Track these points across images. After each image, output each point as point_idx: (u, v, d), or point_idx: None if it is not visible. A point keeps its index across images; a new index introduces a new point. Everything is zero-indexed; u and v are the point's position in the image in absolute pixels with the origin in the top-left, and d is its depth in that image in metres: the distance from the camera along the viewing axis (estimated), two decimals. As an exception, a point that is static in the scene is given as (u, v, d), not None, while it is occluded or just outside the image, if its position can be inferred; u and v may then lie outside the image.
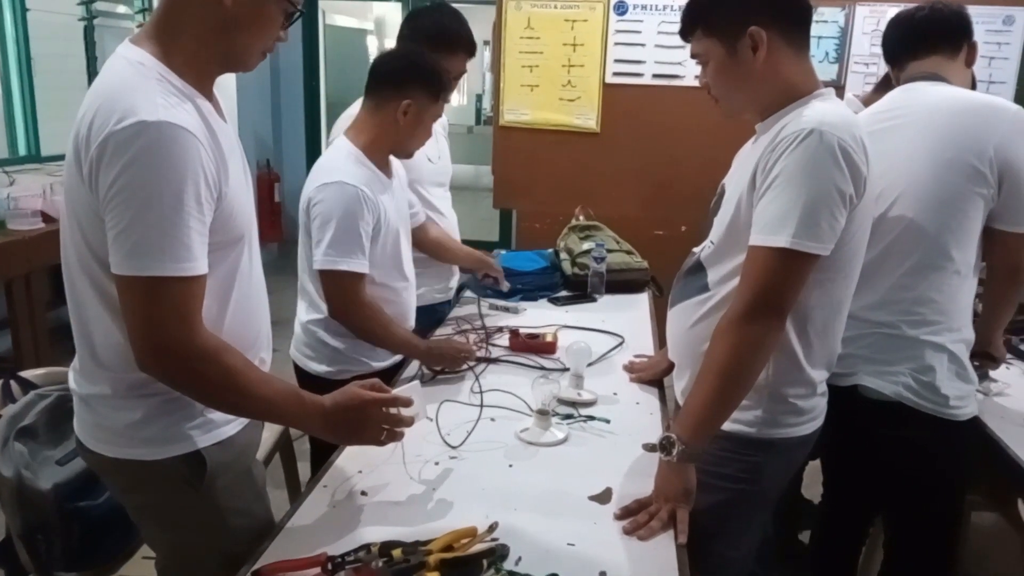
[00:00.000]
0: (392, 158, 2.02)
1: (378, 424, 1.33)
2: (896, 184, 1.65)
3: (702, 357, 1.39)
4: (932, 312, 1.63)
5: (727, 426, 1.40)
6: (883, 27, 1.90)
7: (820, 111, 1.32)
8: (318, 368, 1.98)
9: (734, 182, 1.47)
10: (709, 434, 1.37)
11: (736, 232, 1.39)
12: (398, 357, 2.05)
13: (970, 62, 1.82)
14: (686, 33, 1.46)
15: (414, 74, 1.91)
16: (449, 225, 2.47)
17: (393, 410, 1.35)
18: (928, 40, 1.79)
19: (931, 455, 1.66)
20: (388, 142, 1.94)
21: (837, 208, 1.29)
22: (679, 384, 1.60)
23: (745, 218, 1.36)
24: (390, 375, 1.95)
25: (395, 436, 1.36)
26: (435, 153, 2.42)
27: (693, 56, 1.47)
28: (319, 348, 1.97)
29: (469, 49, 2.28)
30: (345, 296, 1.84)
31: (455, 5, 2.33)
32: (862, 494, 1.94)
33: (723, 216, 1.45)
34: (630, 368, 2.03)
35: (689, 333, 1.51)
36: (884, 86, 2.24)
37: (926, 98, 1.71)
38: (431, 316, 2.37)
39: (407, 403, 1.36)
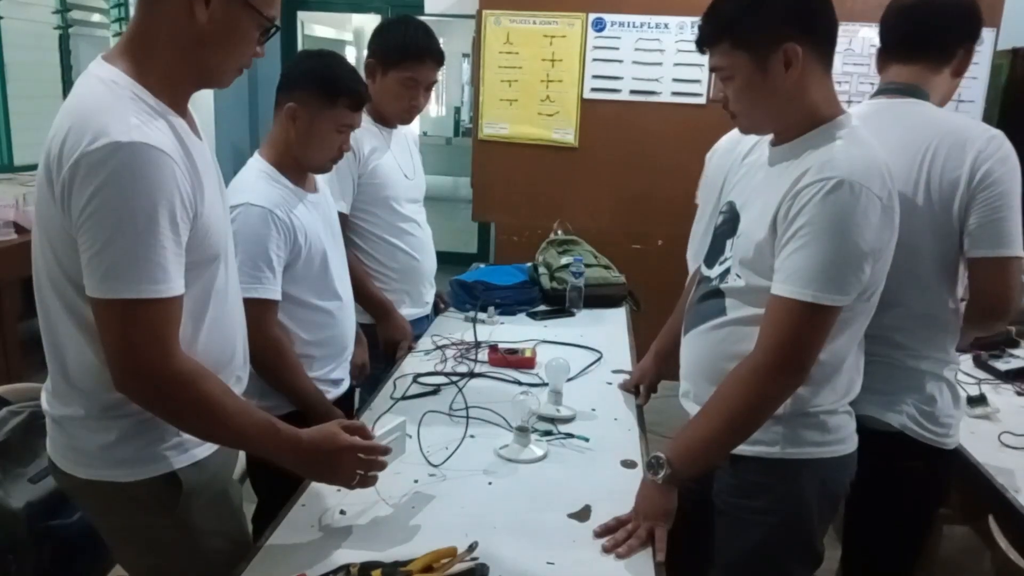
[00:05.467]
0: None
1: (351, 469, 1.31)
2: None
3: (722, 372, 1.38)
4: (927, 344, 1.57)
5: (746, 449, 1.38)
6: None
7: (847, 157, 1.27)
8: None
9: (750, 214, 1.42)
10: (700, 468, 1.39)
11: (756, 275, 1.37)
12: None
13: (959, 71, 1.62)
14: (709, 44, 1.37)
15: (298, 73, 1.78)
16: (424, 240, 2.46)
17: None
18: (921, 42, 1.58)
19: (920, 483, 1.62)
20: (290, 154, 1.80)
21: (866, 262, 1.28)
22: (692, 403, 1.54)
23: (767, 260, 1.34)
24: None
25: (367, 482, 1.34)
26: (411, 169, 2.42)
27: (713, 69, 1.38)
28: None
29: (436, 58, 2.24)
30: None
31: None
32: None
33: (742, 250, 1.41)
34: (625, 386, 2.02)
35: (708, 354, 1.49)
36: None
37: (896, 130, 1.54)
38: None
39: (384, 452, 1.35)
